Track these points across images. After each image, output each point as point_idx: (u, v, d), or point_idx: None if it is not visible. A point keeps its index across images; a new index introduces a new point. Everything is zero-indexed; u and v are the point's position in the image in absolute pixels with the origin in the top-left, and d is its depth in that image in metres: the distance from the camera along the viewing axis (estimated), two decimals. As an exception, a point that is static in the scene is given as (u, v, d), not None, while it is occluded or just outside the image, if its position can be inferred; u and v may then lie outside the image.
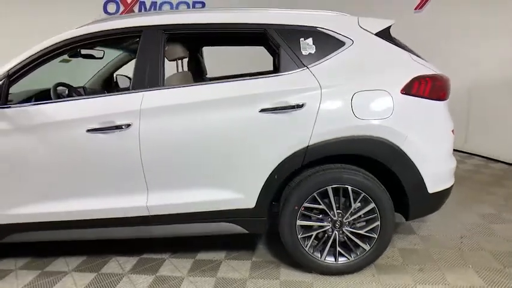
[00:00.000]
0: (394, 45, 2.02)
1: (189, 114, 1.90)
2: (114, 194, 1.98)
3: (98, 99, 2.02)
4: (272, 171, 1.92)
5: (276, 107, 1.87)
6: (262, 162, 1.92)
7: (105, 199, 1.98)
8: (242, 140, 1.91)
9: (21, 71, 1.99)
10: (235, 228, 2.05)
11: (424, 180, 1.93)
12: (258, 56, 3.06)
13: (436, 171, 1.96)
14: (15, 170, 1.96)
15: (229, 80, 2.01)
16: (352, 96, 1.87)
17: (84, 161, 1.95)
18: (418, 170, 1.91)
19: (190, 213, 2.00)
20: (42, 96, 2.34)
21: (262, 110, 1.88)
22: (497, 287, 1.90)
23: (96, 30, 2.01)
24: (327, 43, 1.97)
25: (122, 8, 5.58)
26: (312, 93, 1.88)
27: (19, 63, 1.97)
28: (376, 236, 1.99)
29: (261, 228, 2.05)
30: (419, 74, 1.92)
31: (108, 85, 3.03)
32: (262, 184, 1.94)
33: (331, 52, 1.96)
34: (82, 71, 2.99)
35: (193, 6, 5.58)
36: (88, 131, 1.89)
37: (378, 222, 1.97)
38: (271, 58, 2.75)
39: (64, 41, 1.98)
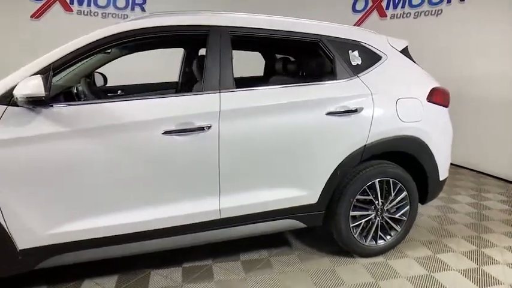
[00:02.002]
0: (412, 61, 2.47)
1: (264, 116, 1.95)
2: (185, 200, 1.87)
3: (171, 99, 1.86)
4: (335, 168, 2.12)
5: (340, 111, 2.08)
6: (327, 160, 2.11)
7: (176, 206, 1.85)
8: (311, 141, 2.06)
9: (67, 64, 1.70)
10: (297, 224, 2.17)
11: (438, 170, 2.43)
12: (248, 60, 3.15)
13: (444, 163, 2.48)
14: (76, 179, 1.66)
15: (296, 84, 2.11)
16: (396, 101, 2.22)
17: (158, 165, 1.78)
18: (436, 162, 2.39)
19: (259, 213, 2.04)
20: (67, 92, 2.00)
21: (328, 113, 2.07)
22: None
23: (157, 25, 1.86)
24: (368, 56, 2.29)
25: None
26: (366, 98, 2.16)
27: (64, 55, 1.68)
28: (405, 219, 2.39)
29: (319, 222, 2.23)
30: (434, 86, 2.41)
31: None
32: (326, 180, 2.13)
33: (373, 64, 2.28)
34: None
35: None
36: (164, 133, 1.75)
37: (408, 207, 2.37)
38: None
39: (118, 33, 1.77)
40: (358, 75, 2.21)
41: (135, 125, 1.72)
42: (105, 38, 1.74)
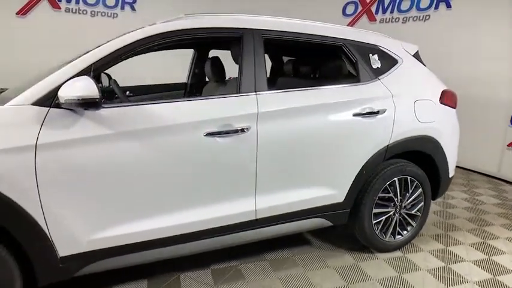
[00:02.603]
0: (423, 65, 2.60)
1: (297, 117, 1.99)
2: (224, 201, 1.88)
3: (211, 101, 1.86)
4: (361, 168, 2.20)
5: (365, 112, 2.17)
6: (354, 160, 2.19)
7: (215, 207, 1.86)
8: (340, 141, 2.13)
9: (106, 65, 1.67)
10: (325, 223, 2.24)
11: (449, 167, 2.58)
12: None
13: (452, 161, 2.63)
14: (121, 182, 1.62)
15: (325, 86, 2.17)
16: (414, 103, 2.34)
17: (200, 167, 1.78)
18: (447, 160, 2.53)
19: (291, 212, 2.08)
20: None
21: (355, 115, 2.15)
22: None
23: (195, 27, 1.86)
24: (387, 60, 2.39)
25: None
26: (388, 100, 2.26)
27: (105, 56, 1.65)
28: (420, 215, 2.51)
29: (345, 220, 2.30)
30: (444, 88, 2.55)
31: None
32: (352, 179, 2.20)
33: (390, 67, 2.39)
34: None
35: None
36: (207, 134, 1.75)
37: (422, 203, 2.50)
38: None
39: (156, 35, 1.76)
40: (379, 78, 2.31)
41: (179, 127, 1.71)
42: (145, 38, 1.72)
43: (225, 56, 2.64)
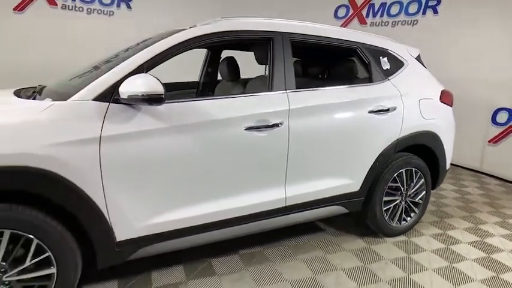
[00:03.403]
0: (424, 67, 2.87)
1: (322, 114, 2.19)
2: (259, 189, 2.05)
3: (248, 98, 2.03)
4: (375, 160, 2.44)
5: (379, 110, 2.40)
6: (369, 152, 2.42)
7: (252, 195, 2.03)
8: (358, 135, 2.35)
9: (157, 63, 1.80)
10: (342, 210, 2.45)
11: (446, 160, 2.86)
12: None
13: (449, 154, 2.91)
14: (174, 172, 1.77)
15: (344, 85, 2.39)
16: (419, 101, 2.60)
17: (241, 159, 1.95)
18: (445, 153, 2.82)
19: (314, 200, 2.28)
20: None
21: (370, 112, 2.37)
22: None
23: (231, 29, 2.02)
24: (394, 62, 2.64)
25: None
26: (397, 99, 2.50)
27: (157, 55, 1.78)
28: (422, 202, 2.79)
29: (359, 207, 2.52)
30: (442, 88, 2.84)
31: None
32: (368, 170, 2.43)
33: (398, 69, 2.64)
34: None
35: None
36: (246, 129, 1.92)
37: (424, 192, 2.77)
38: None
39: (205, 35, 1.91)
40: (389, 79, 2.55)
41: (223, 122, 1.87)
42: (194, 38, 1.87)
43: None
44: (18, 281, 1.54)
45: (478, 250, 2.59)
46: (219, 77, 3.19)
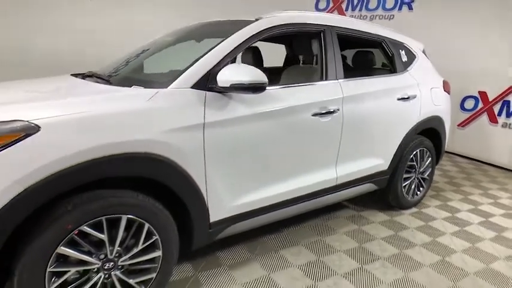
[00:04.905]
0: (428, 59, 3.26)
1: (365, 101, 2.44)
2: (320, 169, 2.27)
3: (312, 87, 2.18)
4: (401, 141, 2.77)
5: (404, 97, 2.72)
6: (397, 135, 2.74)
7: (315, 174, 2.24)
8: (389, 119, 2.66)
9: (234, 55, 1.89)
10: (373, 187, 2.75)
11: (446, 141, 3.31)
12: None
13: (447, 136, 3.37)
14: (261, 154, 1.90)
15: (378, 75, 2.65)
16: (431, 90, 2.97)
17: (309, 142, 2.13)
18: (446, 135, 3.26)
19: (358, 178, 2.55)
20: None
21: (398, 99, 2.68)
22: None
23: (296, 22, 2.18)
24: (409, 55, 2.98)
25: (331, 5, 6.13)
26: (415, 87, 2.85)
27: (239, 44, 1.88)
28: (429, 178, 3.20)
29: (385, 184, 2.84)
30: (443, 79, 3.25)
31: None
32: (395, 151, 2.75)
33: (412, 61, 2.98)
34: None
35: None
36: (313, 115, 2.10)
37: (431, 169, 3.19)
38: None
39: (269, 28, 2.03)
40: (408, 70, 2.88)
41: (297, 108, 2.03)
42: (268, 28, 1.99)
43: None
44: (130, 265, 1.58)
45: (477, 216, 3.07)
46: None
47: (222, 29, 2.15)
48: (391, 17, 5.86)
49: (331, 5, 6.42)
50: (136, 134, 1.47)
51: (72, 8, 5.07)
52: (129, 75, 1.92)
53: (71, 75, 2.18)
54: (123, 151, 1.43)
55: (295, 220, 2.71)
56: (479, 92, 5.03)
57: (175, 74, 1.72)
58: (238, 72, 1.67)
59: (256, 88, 1.69)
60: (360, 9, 6.18)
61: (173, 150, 1.55)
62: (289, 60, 3.51)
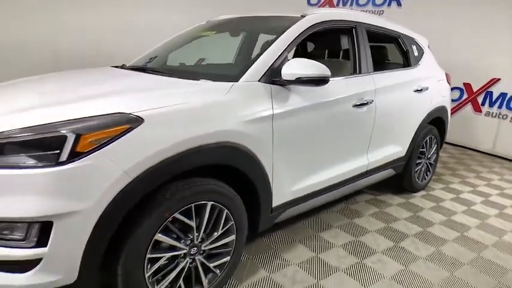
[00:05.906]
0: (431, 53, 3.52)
1: (391, 92, 2.63)
2: (357, 156, 2.45)
3: (352, 80, 2.33)
4: (416, 130, 3.00)
5: (419, 89, 2.95)
6: (414, 123, 2.97)
7: (354, 161, 2.43)
8: (408, 109, 2.88)
9: (289, 50, 2.00)
10: (392, 172, 2.97)
11: (448, 129, 3.61)
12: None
13: (449, 124, 3.67)
14: (313, 144, 2.03)
15: (398, 69, 2.85)
16: (438, 82, 3.23)
17: (349, 131, 2.30)
18: (448, 123, 3.55)
19: (383, 164, 2.76)
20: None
21: (414, 91, 2.91)
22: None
23: (335, 18, 2.31)
24: (419, 50, 3.21)
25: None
26: (426, 80, 3.09)
27: (293, 40, 1.99)
28: (434, 164, 3.49)
29: (401, 170, 3.07)
30: (445, 72, 3.53)
31: None
32: (411, 138, 2.99)
33: (421, 56, 3.22)
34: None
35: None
36: (353, 106, 2.26)
37: (436, 155, 3.47)
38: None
39: (314, 24, 2.15)
40: (419, 64, 3.12)
41: (343, 99, 2.18)
42: (315, 24, 2.11)
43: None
44: (209, 250, 1.67)
45: (479, 196, 3.41)
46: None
47: (271, 25, 2.26)
48: (381, 12, 6.13)
49: (322, 0, 6.61)
50: (221, 125, 1.55)
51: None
52: (186, 68, 1.97)
53: (112, 67, 2.20)
54: (211, 141, 1.52)
55: (323, 207, 2.88)
56: (464, 83, 5.45)
57: (241, 68, 1.80)
58: (304, 66, 1.78)
59: (320, 81, 1.82)
60: (351, 4, 6.42)
61: (249, 139, 1.66)
62: (315, 56, 3.63)
